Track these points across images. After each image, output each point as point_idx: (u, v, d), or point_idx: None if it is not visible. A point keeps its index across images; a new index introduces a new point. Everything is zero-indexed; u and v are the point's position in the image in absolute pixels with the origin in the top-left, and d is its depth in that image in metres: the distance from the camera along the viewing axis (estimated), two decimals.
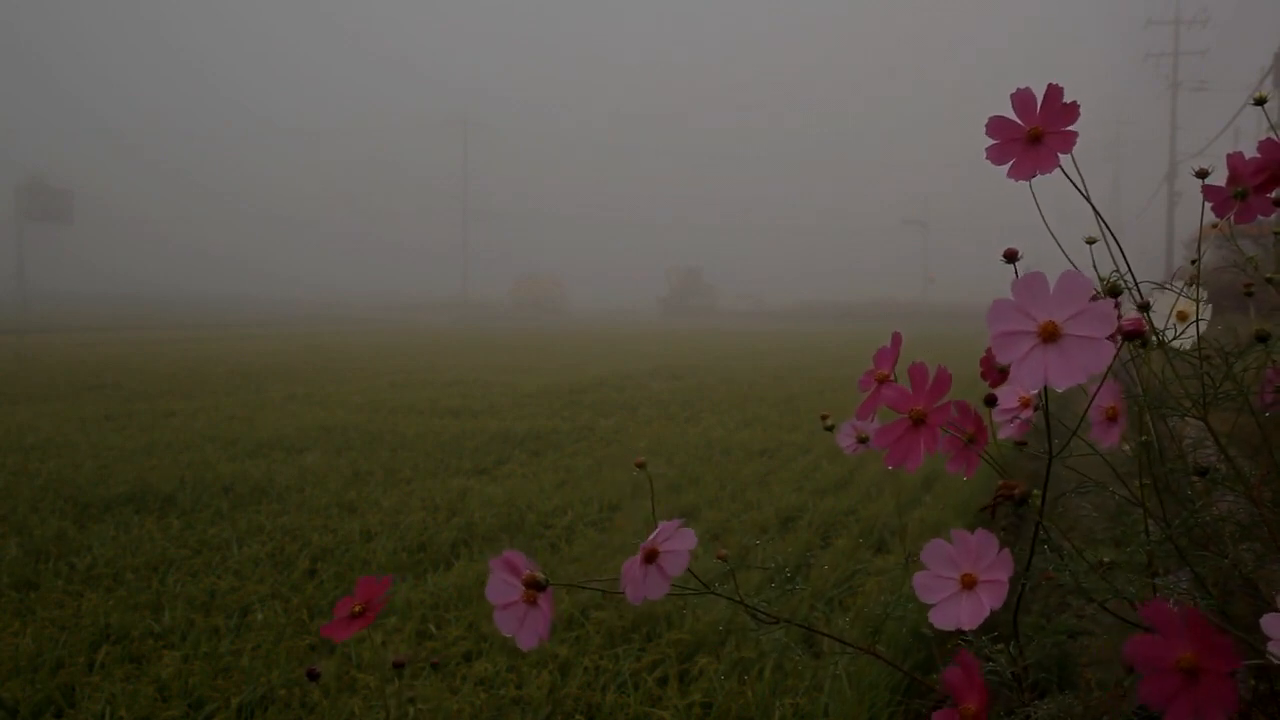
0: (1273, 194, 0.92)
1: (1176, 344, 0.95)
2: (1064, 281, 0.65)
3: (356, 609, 0.87)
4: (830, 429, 1.03)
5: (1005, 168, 0.78)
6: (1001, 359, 0.66)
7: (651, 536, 0.80)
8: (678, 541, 0.79)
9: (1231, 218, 0.94)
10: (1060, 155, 0.79)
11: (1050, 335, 0.64)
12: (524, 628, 0.79)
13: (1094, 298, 0.65)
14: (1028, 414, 0.90)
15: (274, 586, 2.82)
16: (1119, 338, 0.75)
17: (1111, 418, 0.81)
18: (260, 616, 2.57)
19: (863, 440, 1.02)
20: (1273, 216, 0.96)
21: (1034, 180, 0.91)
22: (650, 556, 0.78)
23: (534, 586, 0.78)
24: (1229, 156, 0.94)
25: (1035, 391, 0.90)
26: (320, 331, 22.87)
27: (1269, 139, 0.93)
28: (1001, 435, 0.90)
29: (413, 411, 6.97)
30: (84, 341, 16.71)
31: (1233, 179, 0.93)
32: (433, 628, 2.53)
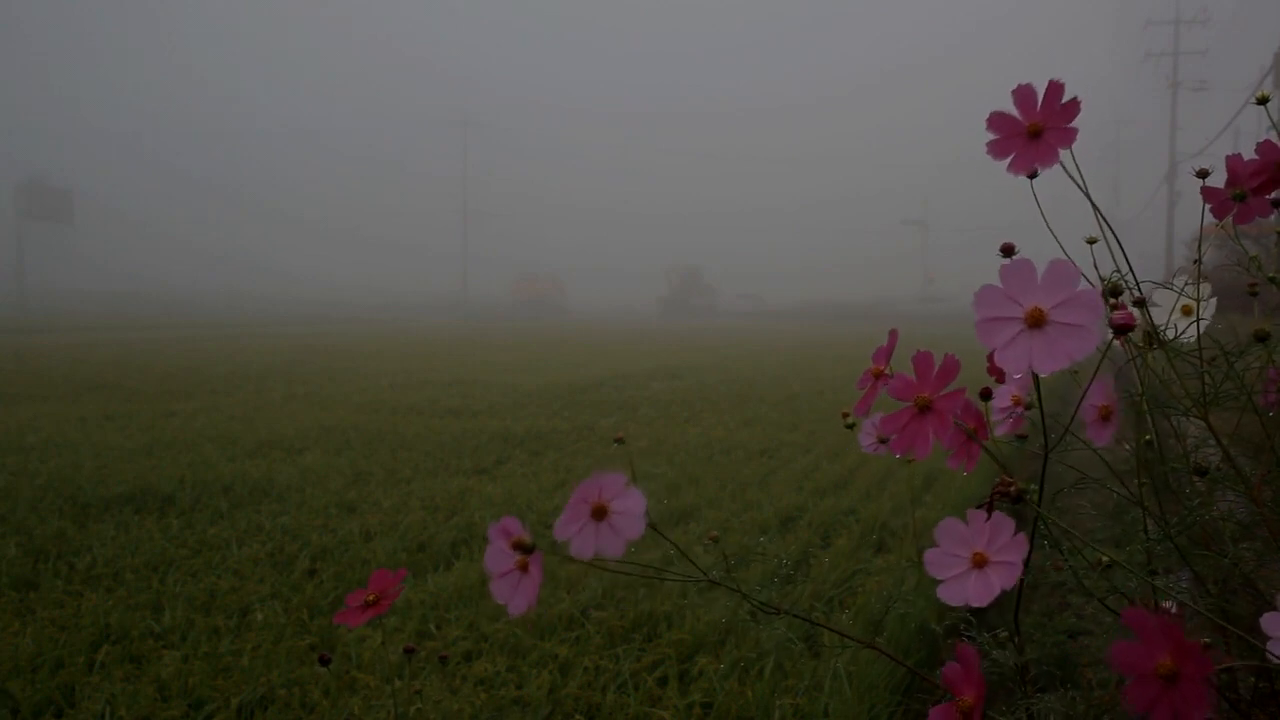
0: (1272, 195, 0.93)
1: (1181, 339, 0.95)
2: (1052, 269, 0.66)
3: (370, 598, 0.87)
4: (851, 427, 1.03)
5: (1005, 167, 0.79)
6: (986, 343, 0.67)
7: (586, 487, 0.76)
8: (627, 502, 0.76)
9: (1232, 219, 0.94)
10: (1060, 152, 0.79)
11: (1036, 321, 0.65)
12: (515, 594, 0.79)
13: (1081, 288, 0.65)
14: (1019, 411, 0.90)
15: (274, 586, 2.82)
16: (1109, 331, 0.75)
17: (1105, 417, 0.81)
18: (260, 616, 2.57)
19: (884, 440, 1.02)
20: (1272, 216, 0.96)
21: (1035, 180, 0.91)
22: (599, 513, 0.76)
23: (521, 549, 0.78)
24: (1228, 158, 0.94)
25: (1028, 391, 0.91)
26: (320, 331, 22.87)
27: (1267, 141, 0.93)
28: (998, 433, 0.90)
29: (413, 411, 6.97)
30: (84, 341, 16.72)
31: (1231, 181, 0.94)
32: (433, 628, 2.53)
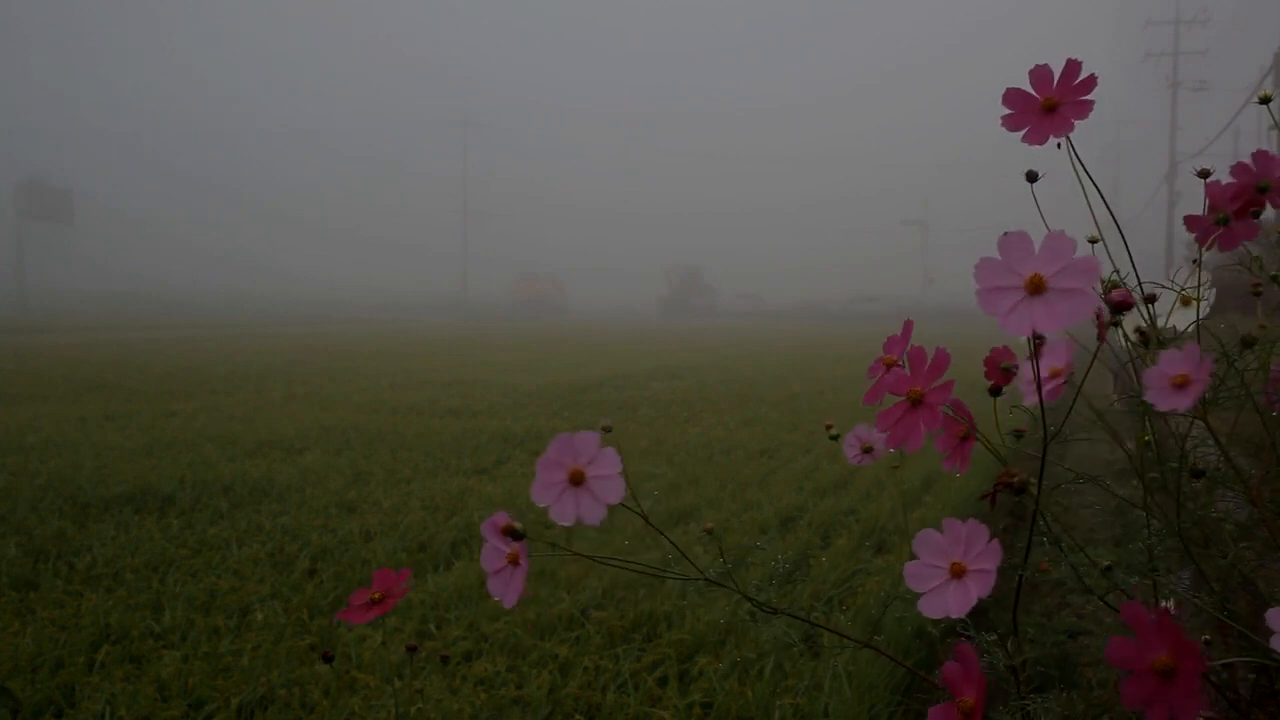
0: (1253, 211, 0.93)
1: (1182, 339, 0.95)
2: (1049, 241, 0.69)
3: (375, 596, 0.87)
4: (835, 438, 1.02)
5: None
6: (988, 311, 0.69)
7: (559, 447, 0.75)
8: (603, 465, 0.75)
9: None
10: (1067, 148, 0.81)
11: (1036, 288, 0.68)
12: (508, 588, 0.80)
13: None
14: (1057, 383, 0.89)
15: (274, 586, 2.82)
16: (1108, 310, 0.76)
17: (1182, 385, 0.77)
18: (260, 616, 2.57)
19: (867, 450, 1.02)
20: (1272, 216, 0.96)
21: (1036, 183, 0.92)
22: (577, 478, 0.75)
23: (512, 535, 0.78)
24: (1208, 185, 0.95)
25: (1067, 363, 0.90)
26: (320, 331, 22.87)
27: (1241, 163, 0.94)
28: (1027, 403, 0.90)
29: (413, 411, 6.97)
30: (84, 341, 16.71)
31: (1213, 208, 0.95)
32: (433, 628, 2.53)
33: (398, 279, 75.74)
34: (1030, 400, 0.90)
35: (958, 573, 0.74)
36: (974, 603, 0.73)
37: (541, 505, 0.76)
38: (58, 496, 3.91)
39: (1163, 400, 0.79)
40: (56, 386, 8.50)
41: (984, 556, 0.74)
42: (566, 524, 0.75)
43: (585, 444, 0.75)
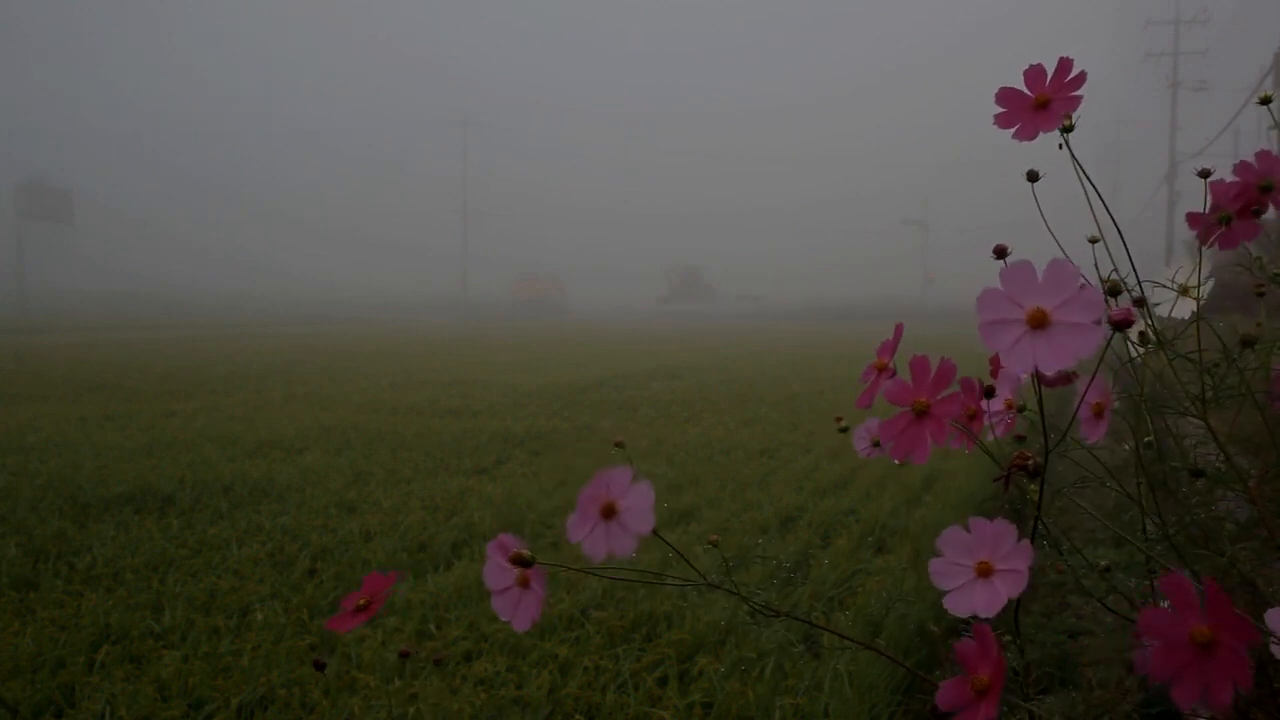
0: (1255, 209, 0.93)
1: (1178, 312, 0.95)
2: (1052, 270, 0.66)
3: (362, 602, 0.87)
4: (844, 430, 1.02)
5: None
6: (990, 347, 0.67)
7: (594, 487, 0.76)
8: (635, 498, 0.76)
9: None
10: (1063, 154, 0.81)
11: (1039, 322, 0.66)
12: (518, 611, 0.79)
13: (1082, 286, 0.66)
14: (1010, 415, 0.90)
15: (274, 586, 2.82)
16: (1108, 328, 0.76)
17: (1098, 414, 0.81)
18: (260, 616, 2.57)
19: (878, 444, 1.02)
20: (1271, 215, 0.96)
21: (1036, 184, 0.92)
22: (609, 512, 0.76)
23: (521, 564, 0.78)
24: (1211, 184, 0.96)
25: (1018, 393, 0.91)
26: (320, 331, 22.86)
27: (1243, 162, 0.94)
28: (990, 438, 0.90)
29: (413, 411, 6.97)
30: (84, 341, 16.71)
31: (1215, 206, 0.95)
32: (433, 628, 2.53)
33: (398, 279, 75.68)
34: (996, 434, 0.91)
35: (984, 572, 0.73)
36: (1004, 603, 0.72)
37: (574, 542, 0.77)
38: (58, 496, 3.91)
39: (1087, 431, 0.80)
40: (56, 386, 8.49)
41: (1014, 556, 0.73)
42: (598, 560, 0.76)
43: (618, 479, 0.76)
